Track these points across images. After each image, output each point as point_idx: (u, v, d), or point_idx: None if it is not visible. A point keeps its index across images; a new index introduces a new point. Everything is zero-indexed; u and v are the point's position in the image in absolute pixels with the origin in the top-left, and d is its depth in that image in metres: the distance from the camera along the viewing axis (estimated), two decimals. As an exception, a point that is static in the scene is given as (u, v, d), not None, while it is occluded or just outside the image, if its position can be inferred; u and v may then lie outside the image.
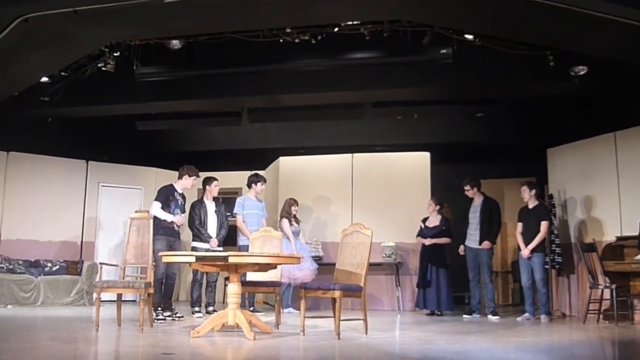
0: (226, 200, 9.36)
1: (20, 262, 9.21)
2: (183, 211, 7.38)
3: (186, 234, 7.83)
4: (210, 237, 7.59)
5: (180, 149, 11.04)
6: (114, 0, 5.75)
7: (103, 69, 8.12)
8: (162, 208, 7.06)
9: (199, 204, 7.77)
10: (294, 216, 8.73)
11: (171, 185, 7.33)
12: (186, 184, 7.37)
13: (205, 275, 7.74)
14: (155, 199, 7.14)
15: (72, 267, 9.56)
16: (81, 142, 10.25)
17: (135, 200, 10.30)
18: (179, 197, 7.29)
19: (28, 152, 9.75)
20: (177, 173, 7.48)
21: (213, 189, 7.86)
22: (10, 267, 9.03)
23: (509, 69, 7.81)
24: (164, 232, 6.98)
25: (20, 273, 9.03)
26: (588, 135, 8.31)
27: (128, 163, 10.62)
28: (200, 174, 8.10)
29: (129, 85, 8.57)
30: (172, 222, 7.07)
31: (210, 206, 7.81)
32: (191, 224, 7.68)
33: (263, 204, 8.50)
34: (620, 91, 8.06)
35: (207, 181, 7.90)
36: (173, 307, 7.21)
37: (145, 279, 6.06)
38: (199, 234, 7.61)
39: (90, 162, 10.35)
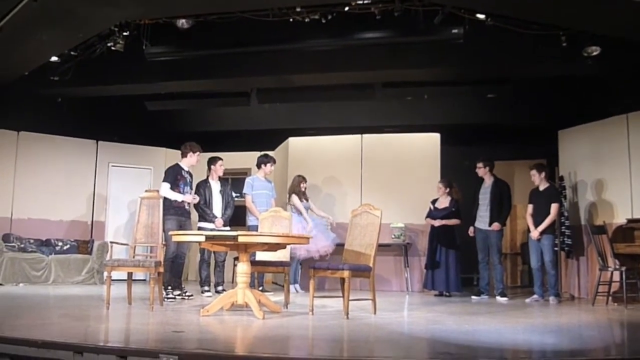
0: (235, 181, 9.39)
1: (32, 241, 9.30)
2: (191, 187, 7.42)
3: (195, 215, 7.86)
4: (215, 217, 7.61)
5: (189, 129, 11.03)
6: (123, -21, 5.73)
7: (112, 48, 8.08)
8: (172, 188, 7.09)
9: (203, 184, 7.79)
10: (303, 193, 8.76)
11: (177, 164, 7.37)
12: (191, 161, 7.40)
13: (213, 254, 7.77)
14: (164, 180, 7.18)
15: (83, 246, 9.65)
16: (91, 122, 10.27)
17: (145, 180, 10.34)
18: (186, 175, 7.32)
19: (38, 132, 9.80)
20: (185, 152, 7.49)
21: (218, 169, 7.87)
22: (22, 246, 9.12)
23: (521, 50, 7.71)
24: (175, 212, 7.04)
25: (31, 252, 9.11)
26: (600, 117, 8.24)
27: (138, 143, 10.64)
28: (209, 154, 8.14)
29: (139, 65, 8.54)
30: (182, 201, 7.10)
31: (215, 186, 7.82)
32: (196, 204, 7.70)
33: (272, 184, 8.51)
34: (634, 72, 7.93)
35: (212, 161, 7.91)
36: (183, 286, 7.27)
37: (155, 258, 6.09)
38: (203, 214, 7.63)
39: (100, 142, 10.39)
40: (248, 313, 5.46)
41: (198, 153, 7.43)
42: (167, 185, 7.09)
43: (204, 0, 6.61)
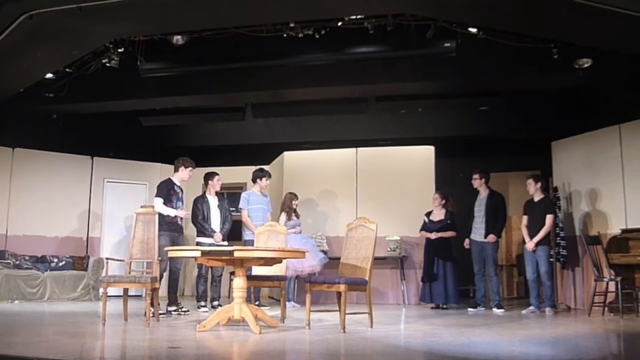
0: (231, 195, 9.39)
1: (27, 258, 9.27)
2: (183, 203, 7.43)
3: (191, 229, 7.86)
4: (214, 232, 7.61)
5: (184, 144, 11.05)
6: (118, -4, 5.77)
7: (107, 65, 8.13)
8: (164, 203, 7.09)
9: (201, 199, 7.79)
10: (294, 210, 8.76)
11: (169, 179, 7.38)
12: (183, 176, 7.40)
13: (210, 270, 7.76)
14: (157, 195, 7.16)
15: (78, 263, 9.62)
16: (86, 138, 10.28)
17: (140, 196, 10.34)
18: (178, 190, 7.34)
19: (33, 149, 9.79)
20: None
21: (215, 184, 7.87)
22: (17, 262, 9.09)
23: (513, 62, 7.78)
24: (168, 228, 7.02)
25: (26, 268, 9.08)
26: (593, 128, 8.30)
27: (133, 159, 10.65)
28: (205, 169, 8.16)
29: (134, 81, 8.57)
30: (175, 216, 7.10)
31: (213, 201, 7.82)
32: (194, 219, 7.70)
33: (268, 199, 8.51)
34: (625, 84, 8.03)
35: (209, 176, 7.91)
36: (179, 301, 7.25)
37: (151, 274, 6.09)
38: (202, 229, 7.63)
39: (95, 157, 10.39)
40: (245, 328, 5.45)
41: (190, 168, 7.44)
42: (160, 201, 7.09)
43: (198, 17, 6.63)
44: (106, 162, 10.50)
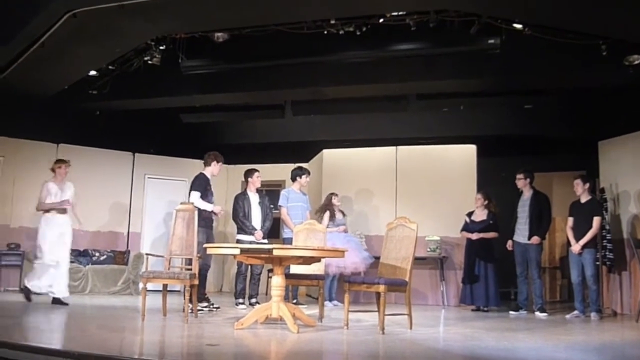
0: (270, 193, 9.40)
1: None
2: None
3: (231, 226, 7.85)
4: (255, 229, 7.60)
5: (224, 141, 11.09)
6: (159, -6, 5.80)
7: (149, 62, 8.20)
8: (201, 198, 7.05)
9: (242, 196, 7.79)
10: (338, 208, 8.68)
11: (202, 174, 7.26)
12: (214, 170, 7.33)
13: (250, 267, 7.75)
14: (194, 189, 7.06)
15: (119, 257, 9.75)
16: (128, 135, 10.41)
17: (180, 192, 10.39)
18: (211, 186, 7.31)
19: (77, 144, 9.94)
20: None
21: (255, 180, 7.85)
22: (60, 256, 9.24)
23: (560, 59, 7.57)
24: (205, 224, 6.93)
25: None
26: (642, 128, 8.02)
27: (173, 155, 10.75)
28: (244, 166, 8.17)
29: (175, 78, 8.64)
30: (211, 212, 7.08)
31: (254, 198, 7.81)
32: (235, 216, 7.70)
33: (307, 197, 8.48)
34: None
35: (249, 173, 7.90)
36: (208, 297, 7.23)
37: (191, 270, 6.11)
38: (243, 226, 7.63)
39: (136, 154, 10.53)
40: (282, 327, 5.42)
41: (221, 163, 7.36)
42: (197, 194, 6.99)
43: (238, 15, 6.64)
44: (147, 158, 10.63)
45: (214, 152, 7.40)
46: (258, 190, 7.95)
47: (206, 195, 7.13)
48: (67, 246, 7.46)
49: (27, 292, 7.26)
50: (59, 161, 7.67)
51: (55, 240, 7.31)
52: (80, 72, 8.29)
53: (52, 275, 7.23)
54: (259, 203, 7.81)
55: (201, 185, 7.12)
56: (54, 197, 7.35)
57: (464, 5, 6.66)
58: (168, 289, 6.43)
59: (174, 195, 10.07)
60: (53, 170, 7.54)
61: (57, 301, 7.19)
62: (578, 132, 9.62)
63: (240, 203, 7.71)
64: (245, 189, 7.93)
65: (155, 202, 10.45)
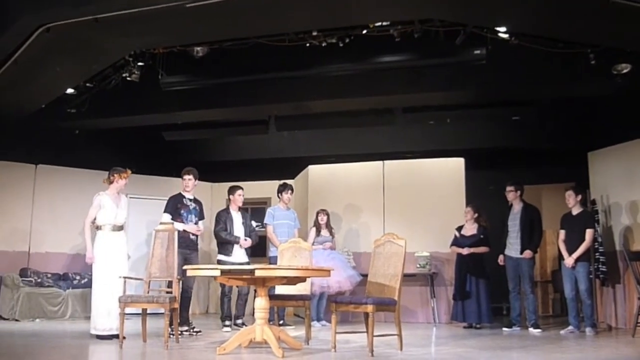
0: (255, 211, 9.19)
1: (49, 276, 9.15)
2: (201, 217, 7.18)
3: (215, 244, 7.60)
4: (238, 237, 7.35)
5: (207, 158, 10.88)
6: (135, 7, 5.61)
7: (128, 79, 8.03)
8: (173, 218, 6.85)
9: (225, 214, 7.56)
10: (326, 225, 8.47)
11: (179, 193, 7.12)
12: (186, 185, 7.12)
13: (235, 287, 7.49)
14: (164, 211, 6.97)
15: (100, 280, 9.44)
16: (108, 154, 10.13)
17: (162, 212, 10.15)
18: (189, 203, 7.08)
19: (56, 165, 9.71)
20: (205, 183, 7.28)
21: (237, 198, 7.62)
22: (39, 280, 8.96)
23: (547, 69, 7.45)
24: (185, 245, 6.74)
25: (48, 286, 8.94)
26: (632, 137, 7.88)
27: (155, 174, 10.49)
28: (228, 183, 7.94)
29: (155, 95, 8.45)
30: (184, 230, 6.82)
31: (237, 216, 7.58)
32: (216, 231, 7.45)
33: (295, 214, 8.27)
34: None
35: (231, 190, 7.68)
36: (190, 321, 6.98)
37: (171, 294, 5.86)
38: (225, 239, 7.36)
39: (117, 173, 10.26)
40: (267, 350, 5.18)
41: (190, 177, 7.10)
42: (167, 217, 6.88)
43: (218, 27, 6.45)
44: (129, 177, 10.34)
45: (186, 168, 7.19)
46: (241, 209, 7.72)
47: (179, 214, 6.92)
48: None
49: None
50: (116, 170, 6.73)
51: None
52: (57, 90, 8.08)
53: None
54: (242, 223, 7.57)
55: (170, 205, 6.96)
56: (109, 212, 6.62)
57: (449, 14, 6.50)
58: (149, 312, 6.17)
59: (157, 216, 9.75)
60: (111, 181, 6.70)
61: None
62: (567, 143, 9.50)
63: (222, 220, 7.47)
64: (228, 206, 7.70)
65: (137, 222, 10.15)
